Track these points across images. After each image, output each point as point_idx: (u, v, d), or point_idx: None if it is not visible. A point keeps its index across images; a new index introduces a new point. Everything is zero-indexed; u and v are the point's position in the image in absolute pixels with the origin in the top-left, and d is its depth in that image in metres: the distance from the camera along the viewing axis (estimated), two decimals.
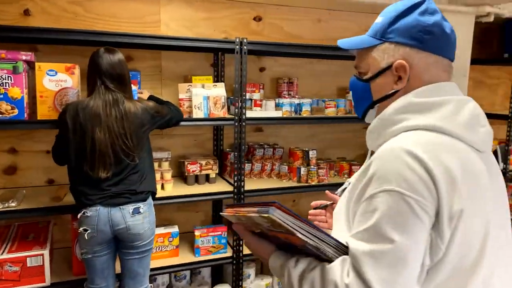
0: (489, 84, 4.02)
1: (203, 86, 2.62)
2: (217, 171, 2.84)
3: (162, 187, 2.64)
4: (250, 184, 2.76)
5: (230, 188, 2.71)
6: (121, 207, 2.02)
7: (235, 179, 2.67)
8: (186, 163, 2.75)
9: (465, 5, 3.30)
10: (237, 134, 2.61)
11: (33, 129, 2.57)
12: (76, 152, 1.99)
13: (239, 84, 2.57)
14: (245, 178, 2.68)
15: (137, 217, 2.06)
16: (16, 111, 2.12)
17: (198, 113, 2.53)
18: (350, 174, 3.13)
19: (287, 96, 3.07)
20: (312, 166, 2.94)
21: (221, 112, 2.59)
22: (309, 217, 1.24)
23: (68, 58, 2.48)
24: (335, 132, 3.47)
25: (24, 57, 2.18)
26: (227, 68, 3.03)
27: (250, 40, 2.56)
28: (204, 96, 2.54)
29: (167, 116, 2.26)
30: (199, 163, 2.77)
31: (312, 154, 3.01)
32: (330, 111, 2.99)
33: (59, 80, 2.20)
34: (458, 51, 0.96)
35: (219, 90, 2.59)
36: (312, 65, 3.31)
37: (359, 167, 3.00)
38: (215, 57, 2.98)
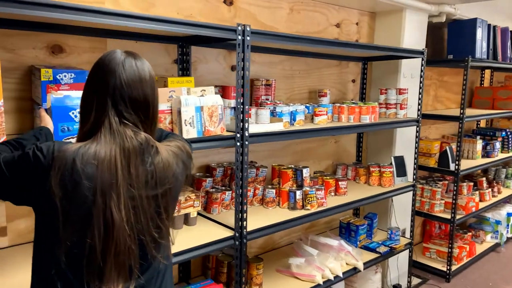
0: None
1: (188, 92, 1.82)
2: (199, 208, 2.06)
3: None
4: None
5: (227, 232, 1.97)
6: None
7: (236, 217, 1.94)
8: None
9: (426, 2, 3.16)
10: (239, 156, 1.90)
11: None
12: (67, 245, 0.97)
13: (241, 89, 1.85)
14: (221, 210, 2.14)
15: None
16: None
17: (190, 132, 1.73)
18: (337, 191, 2.69)
19: (269, 102, 2.44)
20: (309, 188, 2.39)
21: (218, 129, 1.84)
22: None
23: None
24: (304, 142, 2.98)
25: None
26: (194, 65, 2.26)
27: (253, 29, 1.86)
28: (197, 107, 1.74)
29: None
30: None
31: (306, 173, 2.46)
32: (322, 119, 2.48)
33: None
34: None
35: (214, 98, 1.83)
36: (283, 64, 2.74)
37: (346, 182, 2.56)
38: (181, 50, 2.17)
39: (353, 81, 3.25)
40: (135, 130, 1.04)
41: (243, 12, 2.45)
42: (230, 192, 2.29)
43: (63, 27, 1.69)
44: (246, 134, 1.90)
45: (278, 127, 2.12)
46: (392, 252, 2.86)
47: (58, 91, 1.37)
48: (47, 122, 1.31)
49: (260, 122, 2.14)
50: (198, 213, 2.19)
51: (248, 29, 1.83)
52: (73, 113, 1.33)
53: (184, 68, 2.18)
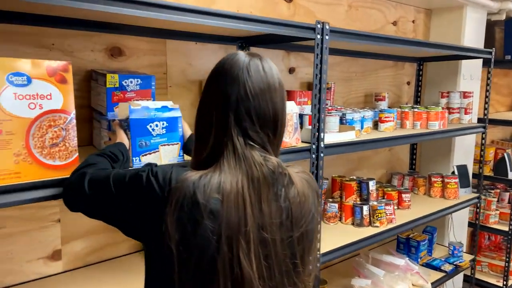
0: None
1: None
2: None
3: None
4: None
5: None
6: None
7: None
8: None
9: None
10: (314, 170, 1.69)
11: None
12: None
13: (318, 95, 1.65)
14: None
15: None
16: None
17: None
18: (400, 204, 2.46)
19: (330, 108, 2.23)
20: (377, 203, 2.17)
21: (293, 139, 1.63)
22: None
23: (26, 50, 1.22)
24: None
25: None
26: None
27: (332, 27, 1.65)
28: None
29: None
30: None
31: (372, 185, 2.24)
32: (389, 126, 2.26)
33: (37, 94, 0.99)
34: None
35: (289, 105, 1.63)
36: (341, 66, 2.53)
37: (409, 195, 2.33)
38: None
39: (408, 83, 3.03)
40: (264, 154, 0.82)
41: (302, 9, 2.25)
42: None
43: (121, 26, 1.51)
44: (322, 145, 1.69)
45: (350, 136, 1.91)
46: (457, 270, 2.63)
47: (133, 101, 1.18)
48: (123, 137, 1.12)
49: (328, 131, 1.92)
50: None
51: (327, 27, 1.62)
52: (150, 126, 1.14)
53: None
